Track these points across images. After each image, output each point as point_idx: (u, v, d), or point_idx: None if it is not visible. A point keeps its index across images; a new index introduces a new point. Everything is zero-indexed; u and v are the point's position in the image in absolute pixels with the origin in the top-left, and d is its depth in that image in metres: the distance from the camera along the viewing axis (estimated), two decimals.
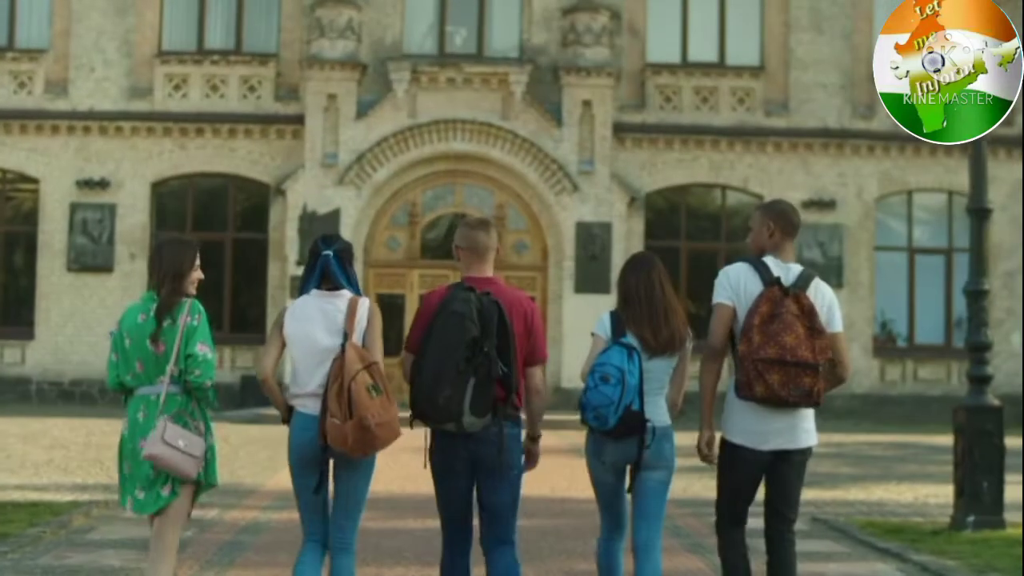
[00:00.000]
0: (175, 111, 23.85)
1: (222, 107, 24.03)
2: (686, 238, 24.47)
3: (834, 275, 23.67)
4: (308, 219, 23.27)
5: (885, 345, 24.01)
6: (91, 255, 23.79)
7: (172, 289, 5.66)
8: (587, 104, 23.57)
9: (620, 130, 23.86)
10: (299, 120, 23.62)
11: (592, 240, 23.54)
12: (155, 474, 5.53)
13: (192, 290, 5.71)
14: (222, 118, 23.88)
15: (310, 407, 5.53)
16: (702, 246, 23.76)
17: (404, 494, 11.07)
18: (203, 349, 5.60)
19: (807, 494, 11.15)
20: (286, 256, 22.90)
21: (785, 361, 5.54)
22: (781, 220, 5.97)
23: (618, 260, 22.43)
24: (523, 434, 5.79)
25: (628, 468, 5.80)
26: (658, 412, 5.78)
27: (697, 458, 5.82)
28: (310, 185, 23.29)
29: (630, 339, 5.74)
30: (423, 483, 11.55)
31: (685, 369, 5.95)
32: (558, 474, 13.03)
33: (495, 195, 23.93)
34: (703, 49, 24.46)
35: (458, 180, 24.02)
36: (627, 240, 23.26)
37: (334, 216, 23.30)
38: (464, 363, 5.38)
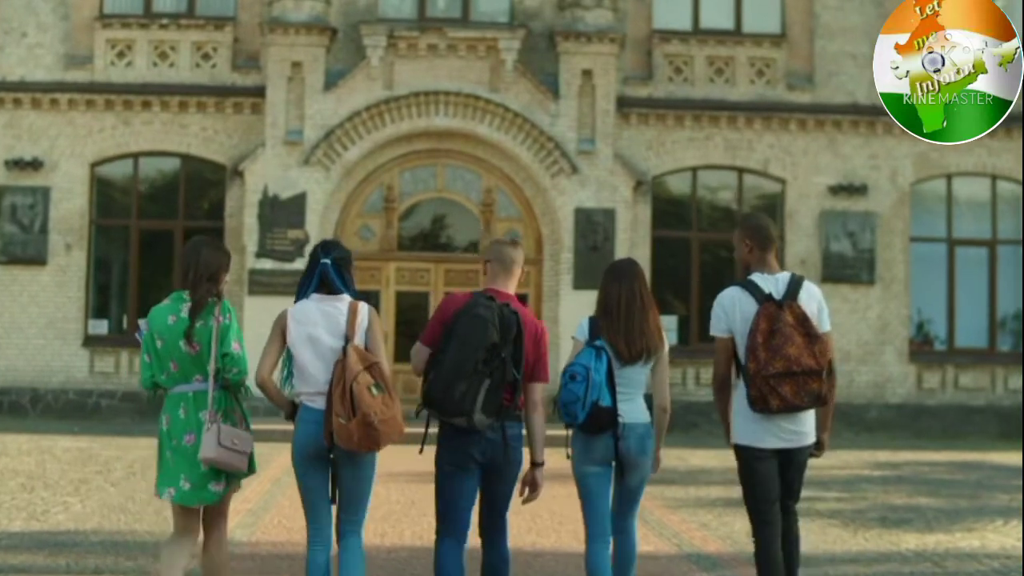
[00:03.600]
0: (118, 82, 22.52)
1: (172, 77, 22.61)
2: (698, 227, 23.19)
3: (865, 269, 22.86)
4: (269, 204, 21.93)
5: (922, 348, 22.21)
6: (21, 245, 22.24)
7: (207, 291, 6.20)
8: (587, 74, 22.16)
9: (624, 105, 22.59)
10: (259, 92, 22.22)
11: (593, 229, 22.00)
12: (206, 469, 6.14)
13: (223, 289, 6.31)
14: (172, 90, 22.45)
15: (318, 402, 6.10)
16: (716, 236, 22.80)
17: (383, 547, 8.51)
18: (237, 348, 6.21)
19: (908, 541, 10.03)
20: (244, 246, 21.80)
21: (793, 372, 6.22)
22: (756, 235, 6.59)
23: (623, 252, 20.46)
24: (524, 439, 6.45)
25: (613, 465, 6.52)
26: (634, 411, 6.51)
27: None
28: (272, 166, 21.92)
29: (601, 342, 6.44)
30: (407, 531, 9.48)
31: (664, 373, 6.66)
32: (577, 512, 9.97)
33: (482, 178, 22.70)
34: (717, 14, 23.14)
35: (440, 160, 22.65)
36: (633, 229, 22.27)
37: (299, 201, 21.97)
38: (482, 364, 6.00)
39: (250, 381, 6.32)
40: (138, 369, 23.46)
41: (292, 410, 6.26)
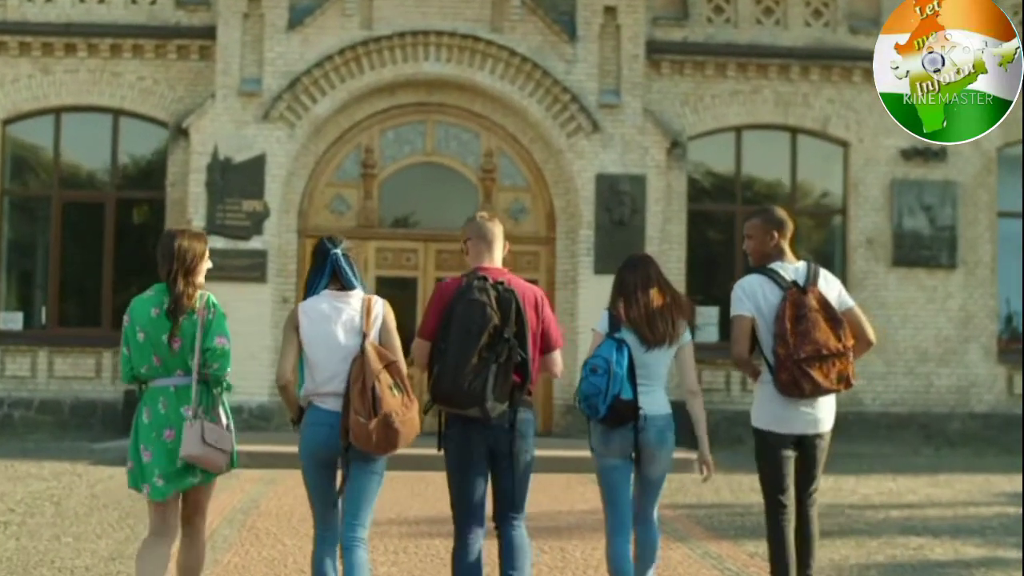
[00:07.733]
0: (35, 21, 20.54)
1: (102, 16, 20.48)
2: (743, 199, 20.97)
3: (945, 250, 20.76)
4: (220, 169, 19.60)
5: (1011, 346, 21.68)
6: None
7: (186, 284, 6.74)
8: (610, 12, 20.16)
9: (655, 50, 20.62)
10: (209, 33, 20.20)
11: (619, 200, 19.50)
12: (181, 464, 6.82)
13: (202, 280, 6.99)
14: (102, 31, 20.33)
15: (329, 403, 6.70)
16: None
17: None
18: (221, 342, 6.84)
19: None
20: (189, 220, 19.61)
21: (821, 355, 7.11)
22: (783, 228, 7.51)
23: (655, 227, 19.71)
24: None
25: (633, 456, 7.44)
26: (656, 403, 7.25)
27: None
28: (223, 122, 19.80)
29: (623, 334, 7.26)
30: None
31: (690, 358, 7.36)
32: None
33: (482, 138, 20.69)
34: None
35: (431, 116, 20.51)
36: (666, 200, 20.42)
37: (256, 165, 19.50)
38: (486, 349, 6.60)
39: (230, 379, 6.92)
40: (60, 373, 19.27)
41: (299, 416, 6.97)
